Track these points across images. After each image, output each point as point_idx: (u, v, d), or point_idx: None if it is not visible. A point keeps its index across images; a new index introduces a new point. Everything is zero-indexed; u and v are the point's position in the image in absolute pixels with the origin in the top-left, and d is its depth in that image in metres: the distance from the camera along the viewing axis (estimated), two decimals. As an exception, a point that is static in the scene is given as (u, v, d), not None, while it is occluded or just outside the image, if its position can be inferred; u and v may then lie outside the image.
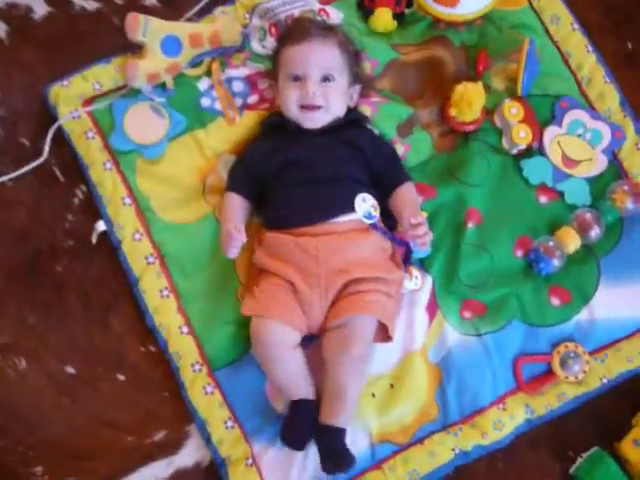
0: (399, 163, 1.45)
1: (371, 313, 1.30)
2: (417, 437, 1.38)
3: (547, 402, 1.41)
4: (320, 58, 1.38)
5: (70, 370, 1.40)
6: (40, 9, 1.56)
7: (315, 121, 1.39)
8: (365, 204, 1.36)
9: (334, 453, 1.27)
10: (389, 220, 1.42)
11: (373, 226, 1.36)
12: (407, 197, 1.40)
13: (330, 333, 1.31)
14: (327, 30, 1.43)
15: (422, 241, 1.32)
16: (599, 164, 1.52)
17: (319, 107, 1.38)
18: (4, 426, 1.37)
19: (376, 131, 1.48)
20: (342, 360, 1.28)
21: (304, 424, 1.29)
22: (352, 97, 1.46)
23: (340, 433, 1.28)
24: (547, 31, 1.59)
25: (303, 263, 1.31)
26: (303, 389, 1.31)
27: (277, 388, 1.34)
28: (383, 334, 1.34)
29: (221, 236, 1.36)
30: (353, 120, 1.44)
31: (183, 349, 1.39)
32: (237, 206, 1.39)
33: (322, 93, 1.38)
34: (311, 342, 1.36)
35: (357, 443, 1.36)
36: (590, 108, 1.56)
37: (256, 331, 1.31)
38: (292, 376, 1.31)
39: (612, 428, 1.42)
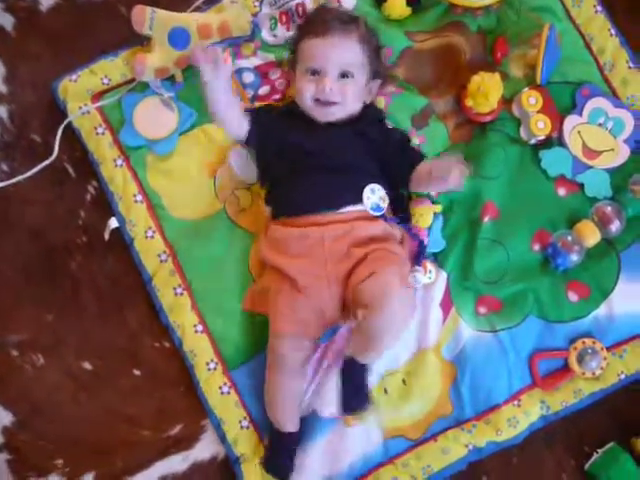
0: (412, 148, 1.42)
1: (392, 264, 1.27)
2: (430, 432, 1.38)
3: (563, 398, 1.40)
4: (340, 55, 1.33)
5: (87, 366, 1.42)
6: (47, 0, 1.54)
7: (329, 116, 1.36)
8: (374, 195, 1.33)
9: (356, 389, 1.27)
10: (403, 212, 1.40)
11: (382, 218, 1.34)
12: (427, 166, 1.36)
13: (360, 295, 1.25)
14: (349, 24, 1.36)
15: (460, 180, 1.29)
16: (621, 154, 1.48)
17: (334, 103, 1.35)
18: (25, 421, 1.40)
19: (390, 124, 1.44)
20: (382, 309, 1.22)
21: (287, 456, 1.33)
22: (371, 92, 1.42)
23: (363, 368, 1.28)
24: (568, 14, 1.54)
25: (307, 251, 1.29)
26: (291, 419, 1.33)
27: (268, 403, 1.34)
28: None
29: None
30: (368, 114, 1.40)
31: (198, 347, 1.39)
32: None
33: (339, 89, 1.34)
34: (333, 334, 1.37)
35: (370, 438, 1.37)
36: (612, 95, 1.51)
37: (273, 346, 1.32)
38: (287, 401, 1.32)
39: (629, 424, 1.42)
